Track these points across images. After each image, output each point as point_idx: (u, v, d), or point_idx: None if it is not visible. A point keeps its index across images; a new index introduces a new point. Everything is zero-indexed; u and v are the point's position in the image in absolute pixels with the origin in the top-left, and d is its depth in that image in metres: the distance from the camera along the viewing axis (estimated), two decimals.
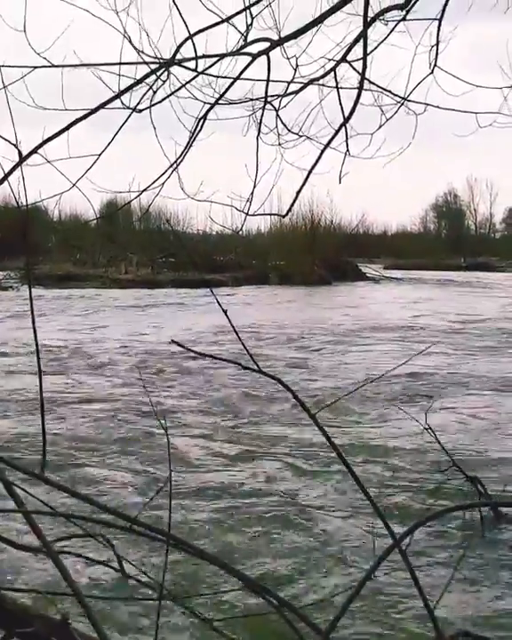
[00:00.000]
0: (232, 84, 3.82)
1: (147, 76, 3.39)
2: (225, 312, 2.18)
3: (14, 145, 2.73)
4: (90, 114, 3.00)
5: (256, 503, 7.59)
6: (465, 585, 5.71)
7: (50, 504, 3.31)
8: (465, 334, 20.96)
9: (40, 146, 2.73)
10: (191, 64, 3.94)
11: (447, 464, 7.41)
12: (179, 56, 3.88)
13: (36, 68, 3.74)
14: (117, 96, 3.23)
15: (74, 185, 3.42)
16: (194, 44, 3.57)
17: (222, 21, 3.54)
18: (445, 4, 4.05)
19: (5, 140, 2.77)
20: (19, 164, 2.74)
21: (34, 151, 2.70)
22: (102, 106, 3.10)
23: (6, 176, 2.73)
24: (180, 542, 2.14)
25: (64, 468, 8.55)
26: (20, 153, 2.78)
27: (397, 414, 11.01)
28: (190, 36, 3.49)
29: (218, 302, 2.19)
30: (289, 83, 4.42)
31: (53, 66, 3.80)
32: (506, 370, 14.97)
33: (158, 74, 3.52)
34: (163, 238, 51.13)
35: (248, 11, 3.71)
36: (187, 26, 3.53)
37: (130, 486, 8.04)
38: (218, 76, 3.75)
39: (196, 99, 4.28)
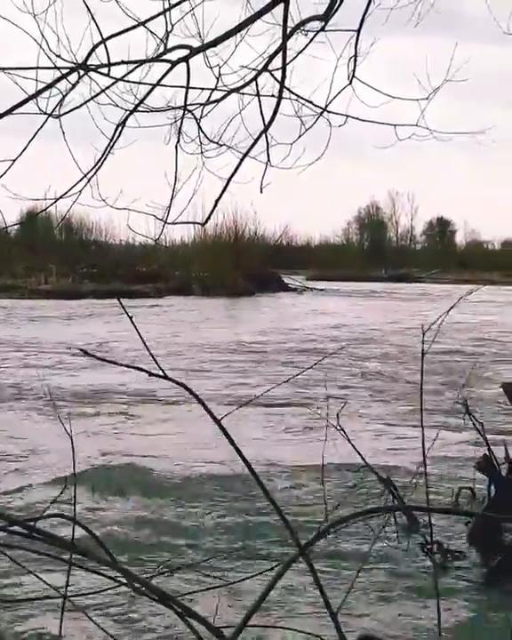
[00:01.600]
0: (150, 91, 3.77)
1: (58, 79, 3.32)
2: (131, 319, 2.14)
3: None
4: (1, 116, 2.91)
5: (160, 514, 7.56)
6: (372, 588, 5.79)
7: None
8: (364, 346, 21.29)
9: None
10: (115, 71, 3.88)
11: (359, 466, 7.48)
12: (97, 62, 3.82)
13: None
14: (28, 99, 3.15)
15: None
16: (107, 51, 3.49)
17: (138, 25, 3.48)
18: (363, 17, 4.07)
19: None
20: None
21: None
22: (14, 108, 3.02)
23: None
24: (81, 550, 2.08)
25: None
26: None
27: (307, 419, 11.14)
28: (103, 40, 3.43)
29: (126, 312, 2.15)
30: (211, 91, 4.39)
31: None
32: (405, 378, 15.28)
33: (69, 78, 3.44)
34: (84, 248, 50.64)
35: (167, 16, 3.66)
36: (100, 31, 3.46)
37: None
38: (138, 82, 3.69)
39: (116, 105, 4.22)
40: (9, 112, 3.12)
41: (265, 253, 52.40)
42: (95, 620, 3.20)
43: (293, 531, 2.14)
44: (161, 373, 2.05)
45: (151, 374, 2.08)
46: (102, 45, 3.84)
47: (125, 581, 2.24)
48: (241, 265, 46.63)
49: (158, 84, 3.69)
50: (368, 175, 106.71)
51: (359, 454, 7.19)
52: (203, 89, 3.94)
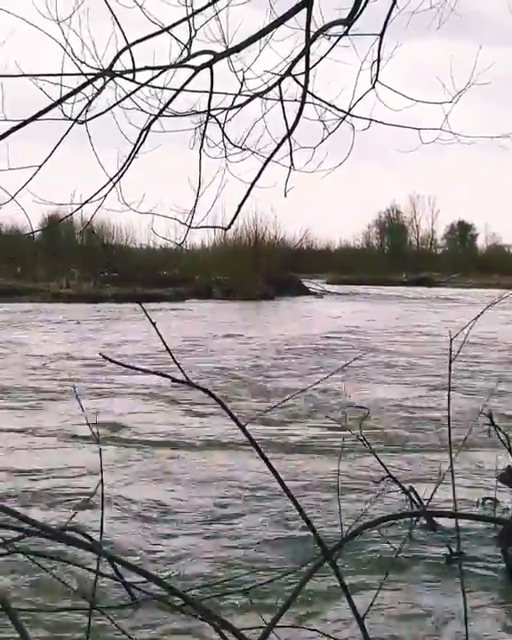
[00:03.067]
0: (175, 96, 3.79)
1: (84, 85, 3.34)
2: (154, 324, 2.15)
3: None
4: (27, 122, 2.94)
5: (187, 512, 7.60)
6: (397, 595, 5.77)
7: None
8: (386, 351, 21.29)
9: None
10: (139, 77, 3.91)
11: (382, 475, 7.44)
12: (122, 67, 3.85)
13: None
14: (54, 105, 3.17)
15: (12, 198, 3.35)
16: (132, 56, 3.52)
17: (162, 31, 3.51)
18: (387, 21, 4.07)
19: None
20: None
21: None
22: (40, 114, 3.05)
23: None
24: (109, 555, 2.09)
25: None
26: None
27: (329, 427, 11.13)
28: (128, 46, 3.45)
29: (148, 317, 2.16)
30: (235, 96, 4.41)
31: None
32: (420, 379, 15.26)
33: (95, 83, 3.46)
34: (105, 253, 50.83)
35: (190, 21, 3.68)
36: (125, 37, 3.49)
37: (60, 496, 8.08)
38: (162, 88, 3.72)
39: (141, 110, 4.25)
40: (35, 118, 3.15)
41: (285, 257, 52.39)
42: (122, 628, 3.21)
43: (319, 535, 2.14)
44: (184, 379, 2.06)
45: (175, 380, 2.09)
46: (127, 51, 3.88)
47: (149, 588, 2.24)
48: (261, 269, 46.66)
49: (182, 89, 3.71)
50: (389, 179, 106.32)
51: (381, 464, 7.17)
52: (226, 94, 3.95)
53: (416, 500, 7.08)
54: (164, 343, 2.23)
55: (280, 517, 7.46)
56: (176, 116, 4.36)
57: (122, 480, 8.64)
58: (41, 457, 9.69)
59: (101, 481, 2.53)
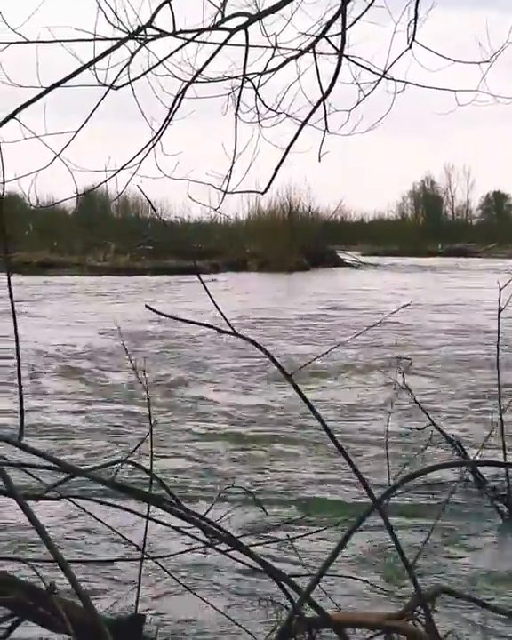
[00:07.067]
0: (210, 58, 3.80)
1: (119, 43, 3.35)
2: (203, 284, 2.19)
3: None
4: (63, 81, 2.96)
5: (232, 465, 7.72)
6: (444, 543, 5.82)
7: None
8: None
9: (15, 112, 2.69)
10: (172, 42, 3.90)
11: (427, 425, 7.45)
12: (157, 32, 3.85)
13: (10, 43, 3.68)
14: (88, 65, 3.18)
15: (57, 156, 3.39)
16: (172, 11, 3.51)
17: None
18: None
19: None
20: None
21: (10, 117, 2.66)
22: (73, 76, 3.06)
23: None
24: (160, 501, 2.14)
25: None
26: None
27: (376, 377, 11.26)
28: (167, 1, 3.44)
29: (201, 281, 2.21)
30: (268, 60, 4.39)
31: (28, 42, 3.75)
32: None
33: (129, 47, 3.48)
34: (141, 226, 51.02)
35: None
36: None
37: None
38: (198, 47, 3.72)
39: (174, 76, 4.24)
40: (66, 80, 3.16)
41: (319, 229, 52.19)
42: (174, 576, 3.32)
43: (367, 484, 2.18)
44: (230, 330, 2.10)
45: (221, 331, 2.13)
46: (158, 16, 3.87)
47: (203, 534, 2.29)
48: (296, 240, 46.57)
49: (218, 51, 3.71)
50: (423, 150, 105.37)
51: (426, 414, 7.19)
52: (267, 60, 3.94)
53: (461, 451, 7.09)
54: (213, 300, 2.28)
55: (326, 468, 7.58)
56: (210, 81, 4.35)
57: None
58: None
59: (151, 429, 2.58)
